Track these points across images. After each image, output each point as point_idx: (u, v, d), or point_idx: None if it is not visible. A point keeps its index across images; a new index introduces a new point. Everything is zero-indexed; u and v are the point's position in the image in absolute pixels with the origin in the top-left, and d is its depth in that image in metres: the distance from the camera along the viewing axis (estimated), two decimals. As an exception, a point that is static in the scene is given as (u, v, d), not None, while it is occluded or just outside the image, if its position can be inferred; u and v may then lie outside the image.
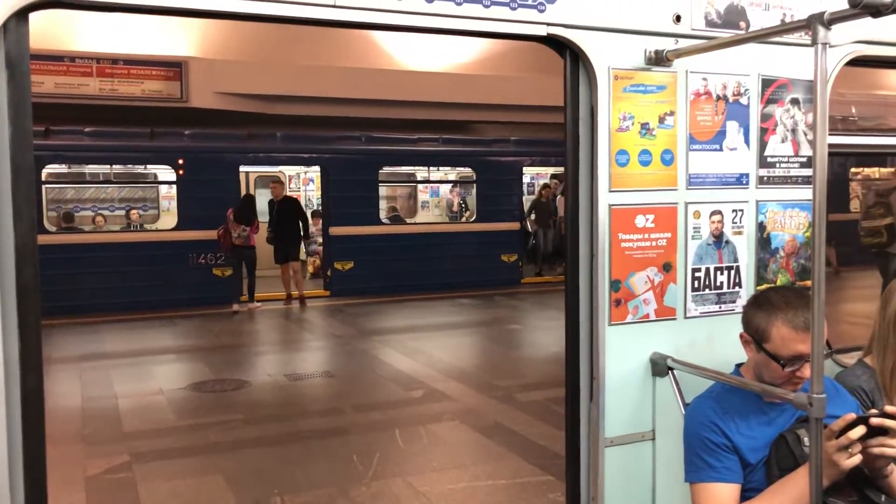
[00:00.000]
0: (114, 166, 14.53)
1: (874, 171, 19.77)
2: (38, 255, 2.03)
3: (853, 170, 18.46)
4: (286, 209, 13.58)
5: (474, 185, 16.28)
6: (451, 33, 2.40)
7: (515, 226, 16.03)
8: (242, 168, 14.90)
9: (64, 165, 14.47)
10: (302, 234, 13.67)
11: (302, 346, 11.01)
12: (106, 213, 15.97)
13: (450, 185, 18.53)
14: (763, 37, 2.51)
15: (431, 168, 17.36)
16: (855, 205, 17.95)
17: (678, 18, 2.65)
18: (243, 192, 15.29)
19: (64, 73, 12.85)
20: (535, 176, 20.08)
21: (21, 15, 1.93)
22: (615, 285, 2.63)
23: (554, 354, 9.72)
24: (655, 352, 2.70)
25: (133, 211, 16.06)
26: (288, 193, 14.42)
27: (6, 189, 1.95)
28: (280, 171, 17.24)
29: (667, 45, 2.63)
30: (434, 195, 18.93)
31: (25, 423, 2.02)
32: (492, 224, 15.67)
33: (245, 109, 13.96)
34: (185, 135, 13.78)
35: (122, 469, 5.88)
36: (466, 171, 16.84)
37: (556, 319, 9.85)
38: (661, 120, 2.67)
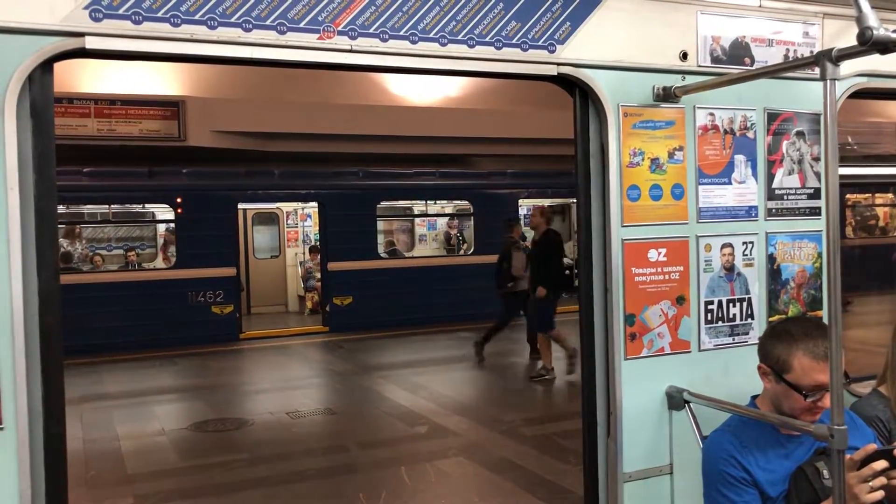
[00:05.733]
0: (112, 205, 14.53)
1: (862, 198, 19.92)
2: (61, 300, 2.03)
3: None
4: None
5: (472, 217, 16.34)
6: (464, 74, 2.45)
7: (514, 258, 16.01)
8: (241, 205, 14.94)
9: (62, 205, 14.46)
10: None
11: (302, 382, 10.92)
12: (104, 252, 15.94)
13: (447, 219, 18.56)
14: (772, 73, 2.55)
15: (429, 202, 17.42)
16: (848, 231, 18.07)
17: (685, 55, 2.70)
18: (241, 229, 15.39)
19: (62, 114, 12.87)
20: (531, 208, 20.12)
21: (46, 65, 1.96)
22: (630, 319, 2.65)
23: (557, 387, 9.68)
24: (671, 385, 2.71)
25: (131, 251, 16.03)
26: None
27: (30, 235, 1.97)
28: (278, 208, 17.28)
29: (674, 81, 2.67)
30: (431, 228, 18.96)
31: (48, 467, 2.02)
32: (491, 256, 15.65)
33: (242, 147, 14.01)
34: (184, 173, 13.84)
35: (127, 512, 5.83)
36: (464, 204, 16.91)
37: (558, 351, 9.82)
38: (671, 155, 2.70)
